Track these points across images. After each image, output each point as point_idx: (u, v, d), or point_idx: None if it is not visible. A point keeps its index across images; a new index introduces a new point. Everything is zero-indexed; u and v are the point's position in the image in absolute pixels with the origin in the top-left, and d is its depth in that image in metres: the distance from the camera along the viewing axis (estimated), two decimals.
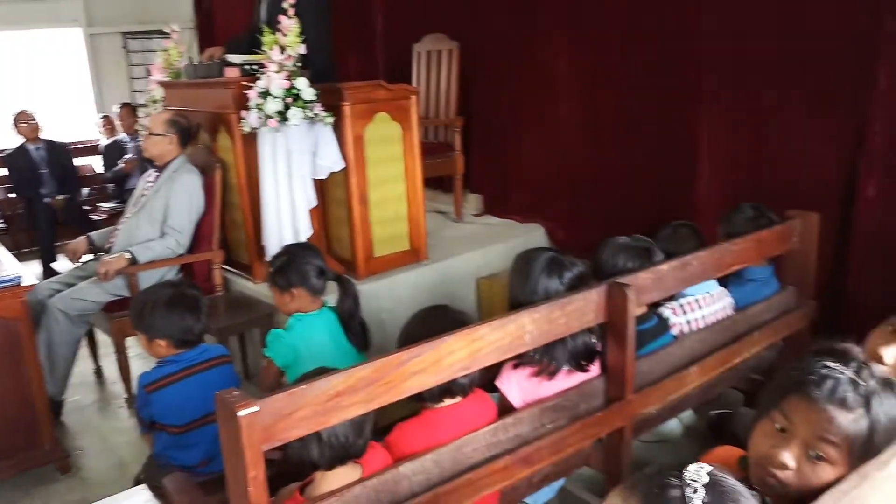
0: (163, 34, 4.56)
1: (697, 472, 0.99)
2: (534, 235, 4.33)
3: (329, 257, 3.60)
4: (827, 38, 2.95)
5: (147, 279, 3.40)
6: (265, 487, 1.41)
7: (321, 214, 3.71)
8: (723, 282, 2.64)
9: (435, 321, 1.99)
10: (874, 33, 2.80)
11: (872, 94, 2.81)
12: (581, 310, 1.98)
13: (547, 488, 2.18)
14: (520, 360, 2.05)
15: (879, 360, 1.53)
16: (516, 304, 2.06)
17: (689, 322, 2.49)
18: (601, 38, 3.87)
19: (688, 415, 2.75)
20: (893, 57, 2.75)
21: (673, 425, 2.69)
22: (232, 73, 3.47)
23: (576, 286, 2.08)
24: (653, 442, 2.66)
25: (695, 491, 0.96)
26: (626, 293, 1.98)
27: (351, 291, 2.65)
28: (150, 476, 2.39)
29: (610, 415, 2.06)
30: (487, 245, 4.17)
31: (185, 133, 3.73)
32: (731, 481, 1.01)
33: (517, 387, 2.05)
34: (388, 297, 3.60)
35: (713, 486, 0.98)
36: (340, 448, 1.64)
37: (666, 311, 2.51)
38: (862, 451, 1.20)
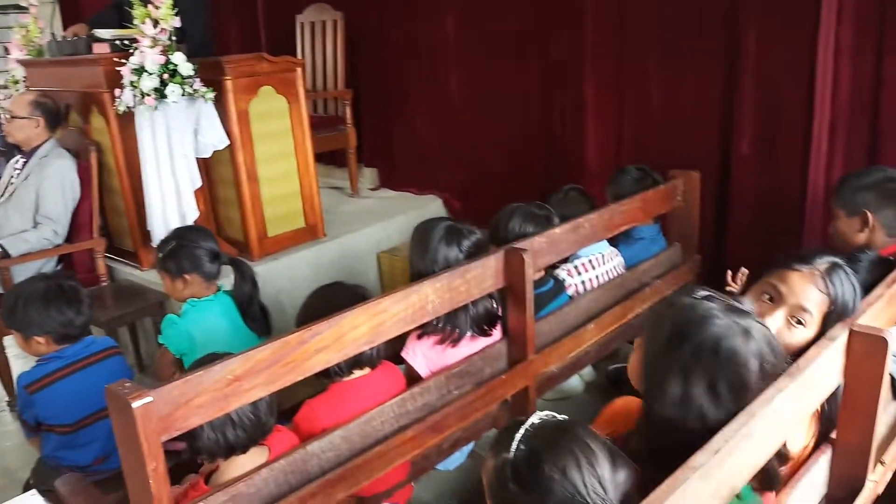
0: (20, 9, 4.21)
1: (538, 416, 1.12)
2: (431, 207, 4.34)
3: (220, 239, 3.47)
4: None
5: (22, 274, 3.16)
6: (167, 480, 1.35)
7: (207, 195, 3.56)
8: (613, 242, 2.74)
9: (333, 297, 1.96)
10: None
11: (742, 55, 2.96)
12: (481, 276, 2.00)
13: (457, 453, 2.21)
14: (423, 330, 2.06)
15: None
16: (417, 274, 2.06)
17: (583, 282, 2.57)
18: (487, 5, 3.88)
19: (588, 371, 2.84)
20: (760, 18, 2.90)
21: (574, 382, 2.79)
22: (101, 49, 3.25)
23: (474, 254, 2.09)
24: (556, 399, 2.74)
25: (524, 433, 1.09)
26: (524, 258, 2.02)
27: (248, 274, 2.56)
28: (40, 480, 2.25)
29: (514, 376, 2.11)
30: (385, 219, 4.14)
31: (53, 115, 3.47)
32: (570, 425, 1.11)
33: (422, 356, 2.06)
34: (286, 277, 3.52)
35: (546, 428, 1.10)
36: (256, 426, 1.61)
37: (561, 273, 2.58)
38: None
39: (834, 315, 1.52)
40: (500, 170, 4.03)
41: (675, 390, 1.21)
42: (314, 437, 1.70)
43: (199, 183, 3.28)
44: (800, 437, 1.51)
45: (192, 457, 1.75)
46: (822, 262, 1.55)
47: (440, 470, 2.29)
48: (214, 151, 3.26)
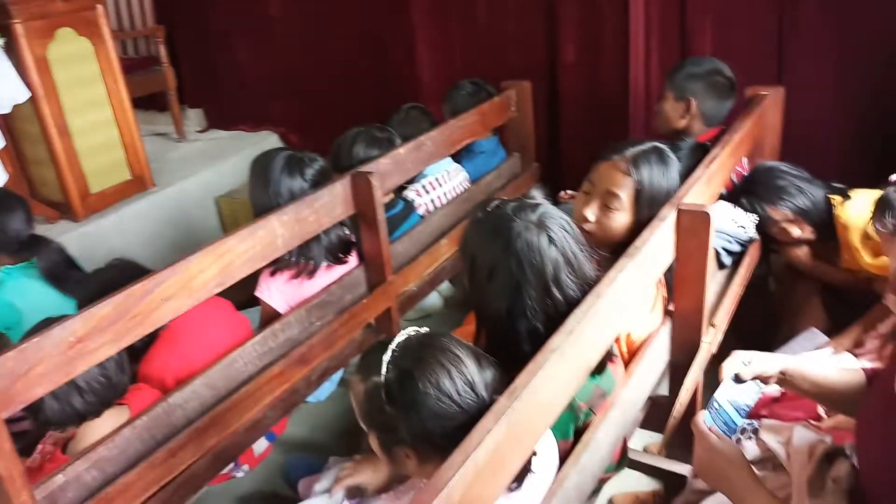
0: None
1: (402, 335, 1.14)
2: (267, 143, 4.15)
3: (36, 203, 3.16)
4: None
5: None
6: (17, 458, 1.25)
7: (14, 155, 3.21)
8: (456, 158, 2.77)
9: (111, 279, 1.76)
10: None
11: None
12: (329, 204, 1.96)
13: (327, 383, 2.21)
14: (276, 266, 2.00)
15: (585, 221, 1.70)
16: (262, 211, 1.97)
17: (432, 200, 2.60)
18: None
19: (445, 286, 2.90)
20: None
21: (434, 299, 2.85)
22: None
23: (319, 182, 2.04)
24: (418, 319, 2.79)
25: (392, 354, 1.11)
26: (371, 181, 2.00)
27: (53, 247, 2.32)
28: None
29: (374, 299, 2.11)
30: (219, 161, 3.93)
31: None
32: (434, 337, 1.14)
33: (278, 293, 2.01)
34: (117, 234, 3.27)
35: (413, 344, 1.13)
36: (107, 387, 1.52)
37: (410, 194, 2.58)
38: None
39: (644, 197, 1.65)
40: (334, 97, 3.92)
41: (494, 287, 1.30)
42: (174, 388, 1.63)
43: (2, 143, 2.94)
44: (647, 317, 1.64)
45: (40, 432, 1.63)
46: (633, 151, 1.68)
47: (311, 402, 2.28)
48: (14, 106, 2.92)
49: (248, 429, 1.78)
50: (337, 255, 2.08)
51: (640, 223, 1.61)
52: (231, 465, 2.03)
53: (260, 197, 2.04)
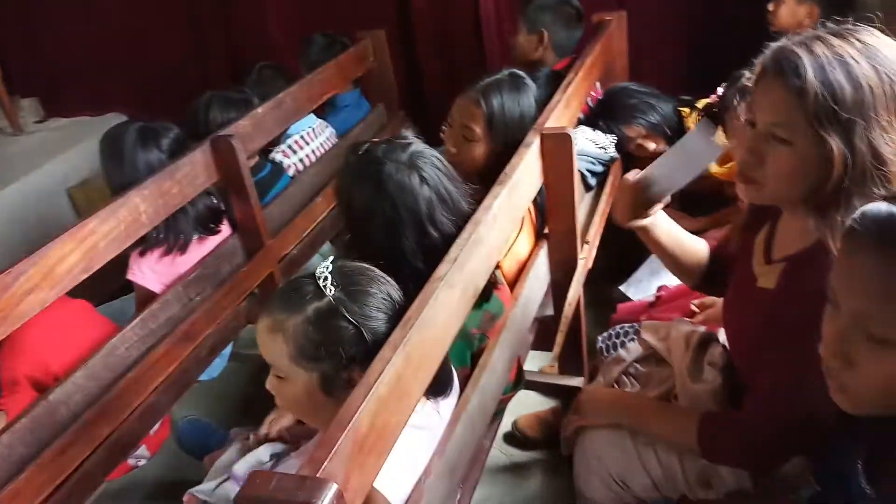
0: None
1: (323, 265, 1.10)
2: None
3: None
4: None
5: None
6: None
7: None
8: (320, 114, 2.72)
9: None
10: None
11: None
12: (191, 174, 1.88)
13: (218, 359, 2.15)
14: (144, 246, 1.91)
15: (450, 155, 1.77)
16: (120, 189, 1.86)
17: (301, 160, 2.54)
18: None
19: (326, 248, 2.87)
20: None
21: (316, 263, 2.80)
22: None
23: (178, 152, 1.95)
24: None
25: (325, 279, 1.07)
26: (233, 144, 1.93)
27: None
28: None
29: (254, 267, 2.06)
30: (66, 151, 3.64)
31: None
32: (354, 263, 1.14)
33: (151, 272, 1.92)
34: None
35: (339, 270, 1.10)
36: None
37: (277, 155, 2.51)
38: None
39: (497, 124, 1.72)
40: (180, 67, 3.70)
41: (372, 230, 1.32)
42: (54, 384, 1.54)
43: None
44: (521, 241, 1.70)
45: None
46: (484, 82, 1.74)
47: (205, 380, 2.22)
48: None
49: (141, 415, 1.71)
50: (207, 225, 2.01)
51: (501, 150, 1.67)
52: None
53: (116, 176, 1.93)
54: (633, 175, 1.32)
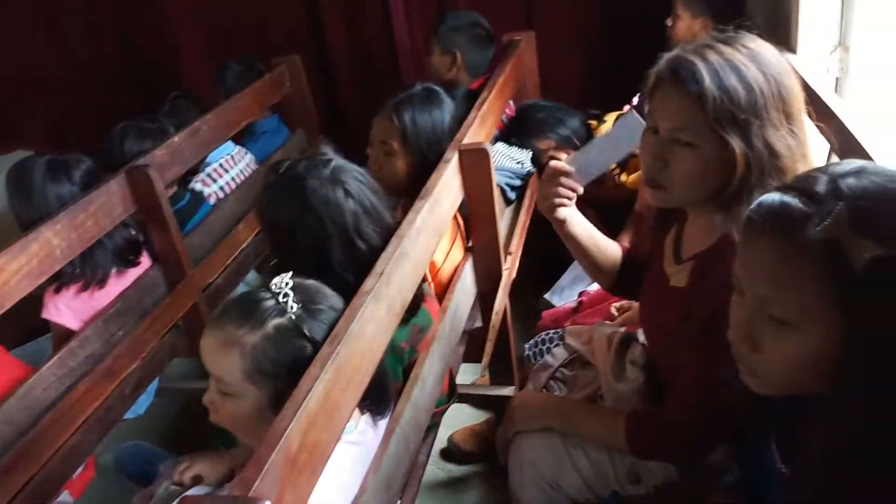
0: None
1: (282, 280, 1.07)
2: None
3: None
4: None
5: None
6: None
7: None
8: (238, 141, 2.69)
9: None
10: None
11: None
12: (107, 206, 1.84)
13: (144, 395, 2.08)
14: (60, 282, 1.84)
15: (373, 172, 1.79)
16: (30, 226, 1.80)
17: (221, 188, 2.51)
18: None
19: (252, 277, 2.83)
20: None
21: (242, 291, 2.76)
22: None
23: (91, 183, 1.90)
24: None
25: (286, 295, 1.05)
26: (149, 174, 1.90)
27: None
28: None
29: (177, 298, 2.02)
30: None
31: None
32: (311, 281, 1.12)
33: (68, 309, 1.86)
34: None
35: (299, 287, 1.07)
36: None
37: (197, 185, 2.48)
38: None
39: (411, 138, 1.75)
40: (91, 102, 3.57)
41: (299, 247, 1.31)
42: None
43: None
44: (442, 246, 1.73)
45: None
46: (397, 98, 1.78)
47: (130, 418, 2.14)
48: None
49: (63, 458, 1.64)
50: (126, 257, 1.96)
51: (421, 162, 1.71)
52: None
53: (25, 212, 1.86)
54: (559, 163, 1.36)
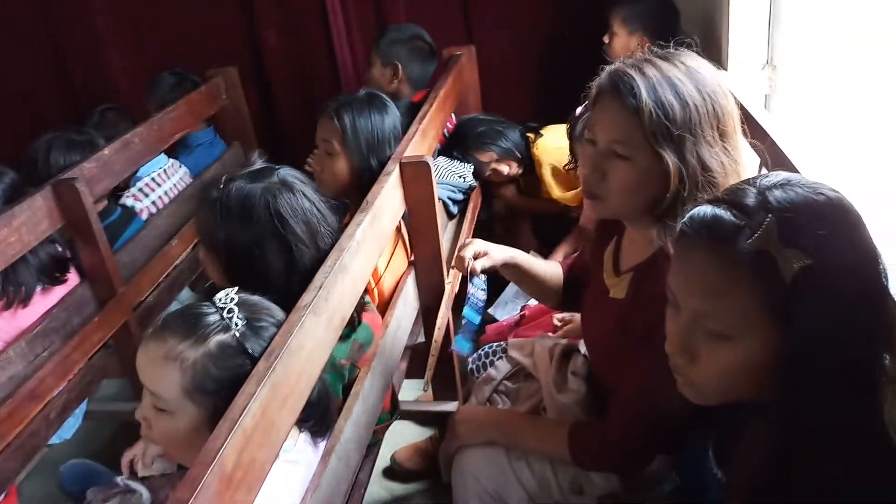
0: None
1: (226, 296, 1.04)
2: None
3: None
4: None
5: None
6: None
7: None
8: (172, 154, 2.62)
9: None
10: None
11: None
12: (32, 220, 1.75)
13: (71, 419, 1.99)
14: None
15: (315, 171, 1.84)
16: None
17: (154, 203, 2.44)
18: None
19: (186, 294, 2.75)
20: None
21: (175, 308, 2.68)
22: None
23: (14, 197, 1.81)
24: None
25: (230, 311, 1.02)
26: (77, 188, 1.82)
27: None
28: None
29: (107, 316, 1.94)
30: None
31: None
32: (256, 297, 1.10)
33: None
34: None
35: (244, 303, 1.05)
36: None
37: (128, 200, 2.40)
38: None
39: (351, 140, 1.76)
40: (14, 112, 3.40)
41: (267, 258, 1.27)
42: None
43: None
44: (383, 258, 1.72)
45: None
46: (339, 100, 1.80)
47: (56, 444, 2.04)
48: None
49: None
50: (52, 274, 1.87)
51: (361, 165, 1.74)
52: None
53: None
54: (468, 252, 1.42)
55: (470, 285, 1.45)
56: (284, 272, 1.27)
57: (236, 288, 1.10)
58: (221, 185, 1.30)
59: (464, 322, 1.46)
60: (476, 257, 1.42)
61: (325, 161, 1.78)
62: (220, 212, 1.28)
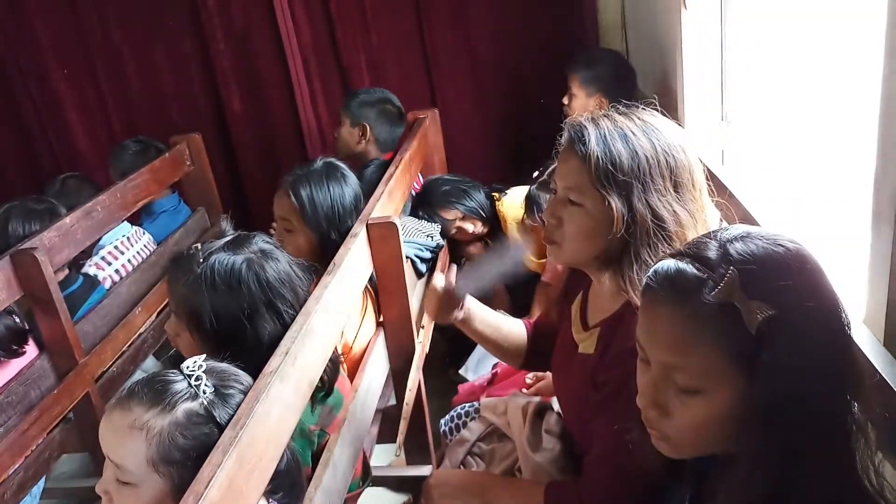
0: None
1: (194, 363, 1.03)
2: None
3: None
4: None
5: None
6: None
7: None
8: (135, 221, 2.60)
9: None
10: None
11: (202, 19, 3.03)
12: None
13: (28, 497, 1.90)
14: None
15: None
16: None
17: (117, 271, 2.40)
18: None
19: (150, 363, 2.68)
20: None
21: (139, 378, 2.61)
22: None
23: None
24: None
25: (198, 378, 1.01)
26: (37, 258, 1.79)
27: None
28: None
29: (67, 388, 1.87)
30: None
31: None
32: (224, 364, 1.09)
33: None
34: None
35: (212, 371, 1.05)
36: None
37: (90, 269, 2.36)
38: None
39: (309, 214, 1.76)
40: None
41: (257, 325, 1.25)
42: None
43: None
44: (352, 323, 1.70)
45: None
46: (293, 175, 1.80)
47: None
48: None
49: None
50: (9, 347, 1.81)
51: (321, 239, 1.74)
52: None
53: None
54: (440, 281, 1.42)
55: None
56: (278, 338, 1.24)
57: (204, 356, 1.08)
58: (201, 259, 1.27)
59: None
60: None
61: (285, 237, 1.77)
62: (205, 284, 1.25)
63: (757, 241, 0.81)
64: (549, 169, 2.14)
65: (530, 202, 2.21)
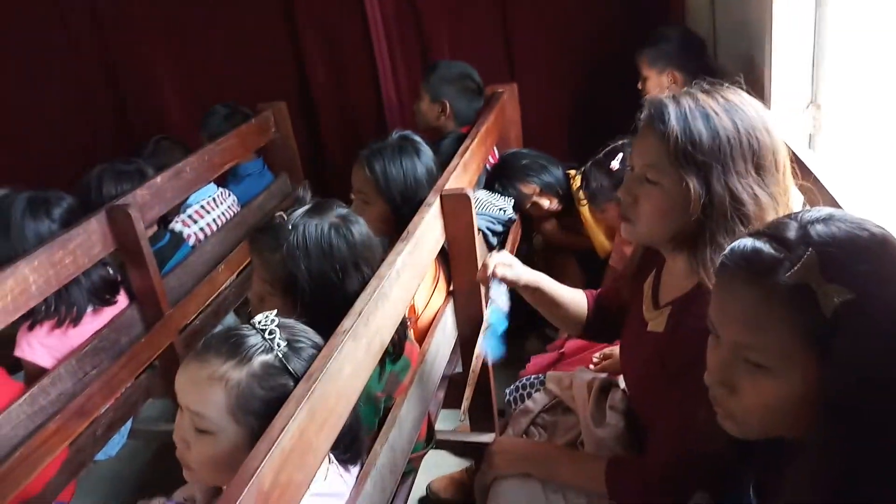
0: None
1: (266, 318, 1.07)
2: None
3: None
4: None
5: None
6: None
7: None
8: (221, 183, 2.70)
9: None
10: None
11: None
12: (86, 244, 1.82)
13: (116, 436, 2.04)
14: (34, 319, 1.82)
15: None
16: (7, 262, 1.78)
17: (202, 229, 2.51)
18: None
19: (230, 319, 2.80)
20: None
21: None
22: None
23: (71, 221, 1.89)
24: None
25: (272, 332, 1.05)
26: (130, 213, 1.89)
27: None
28: None
29: (154, 338, 1.99)
30: None
31: None
32: (292, 320, 1.13)
33: (42, 347, 1.83)
34: None
35: (283, 325, 1.09)
36: None
37: (177, 225, 2.48)
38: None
39: (383, 187, 1.80)
40: (69, 143, 3.51)
41: (348, 281, 1.34)
42: None
43: None
44: (423, 292, 1.74)
45: None
46: (370, 149, 1.83)
47: (102, 460, 2.09)
48: None
49: (31, 501, 1.60)
50: (103, 296, 1.94)
51: (396, 212, 1.78)
52: None
53: (1, 249, 1.84)
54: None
55: (491, 290, 1.44)
56: (360, 294, 1.31)
57: (275, 311, 1.12)
58: (290, 228, 1.34)
59: (487, 326, 1.44)
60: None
61: (362, 209, 1.81)
62: (300, 251, 1.32)
63: (840, 224, 0.79)
64: (608, 149, 2.13)
65: (583, 180, 2.20)
